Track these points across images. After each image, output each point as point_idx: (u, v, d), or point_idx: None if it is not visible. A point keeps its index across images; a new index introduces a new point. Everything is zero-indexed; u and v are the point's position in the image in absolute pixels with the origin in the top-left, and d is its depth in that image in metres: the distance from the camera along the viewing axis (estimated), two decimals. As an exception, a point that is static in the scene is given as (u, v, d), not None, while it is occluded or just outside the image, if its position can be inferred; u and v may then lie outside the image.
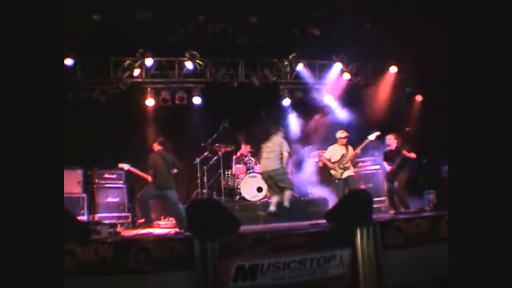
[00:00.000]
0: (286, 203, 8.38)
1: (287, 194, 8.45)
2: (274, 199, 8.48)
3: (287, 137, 10.38)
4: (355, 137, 9.82)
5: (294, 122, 12.43)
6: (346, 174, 9.39)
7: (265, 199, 10.03)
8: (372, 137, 9.34)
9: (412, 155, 9.33)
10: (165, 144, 9.21)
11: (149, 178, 8.81)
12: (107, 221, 9.22)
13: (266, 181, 8.86)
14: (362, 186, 10.76)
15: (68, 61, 10.47)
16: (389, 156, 9.47)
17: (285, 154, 8.64)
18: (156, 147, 9.05)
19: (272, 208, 8.34)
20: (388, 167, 9.42)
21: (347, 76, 12.39)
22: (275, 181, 8.55)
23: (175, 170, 9.00)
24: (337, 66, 12.15)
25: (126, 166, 9.53)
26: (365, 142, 9.39)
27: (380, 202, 10.26)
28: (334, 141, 9.85)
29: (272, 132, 8.86)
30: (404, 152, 9.27)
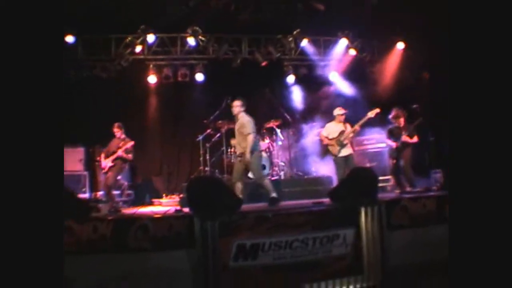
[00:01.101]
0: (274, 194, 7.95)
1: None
2: (270, 184, 8.12)
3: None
4: (359, 115, 9.63)
5: (298, 99, 12.31)
6: (344, 152, 9.15)
7: (269, 177, 9.91)
8: (372, 113, 9.15)
9: (414, 139, 9.14)
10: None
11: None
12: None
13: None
14: (367, 165, 10.63)
15: (69, 39, 10.37)
16: (395, 133, 9.27)
17: (250, 137, 8.00)
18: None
19: (274, 194, 7.97)
20: (393, 144, 9.24)
21: (352, 52, 12.21)
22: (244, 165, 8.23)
23: None
24: (343, 42, 12.00)
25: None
26: (364, 119, 9.20)
27: (385, 181, 10.12)
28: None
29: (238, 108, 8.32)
30: (405, 138, 9.07)
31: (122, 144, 8.99)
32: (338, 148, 9.15)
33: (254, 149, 8.05)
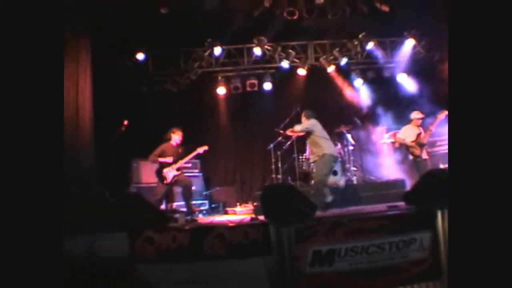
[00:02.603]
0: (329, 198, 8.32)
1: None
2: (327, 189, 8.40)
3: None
4: (430, 115, 9.47)
5: (366, 103, 12.20)
6: (424, 154, 9.16)
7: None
8: (441, 115, 9.01)
9: None
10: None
11: None
12: (184, 209, 9.37)
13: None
14: (441, 166, 10.36)
15: (140, 56, 10.76)
16: None
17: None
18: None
19: (330, 197, 8.27)
20: None
21: (420, 52, 11.96)
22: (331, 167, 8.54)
23: None
24: (409, 42, 11.77)
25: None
26: (436, 121, 9.07)
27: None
28: (407, 120, 9.58)
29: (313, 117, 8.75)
30: None
31: (181, 150, 9.20)
32: (419, 149, 9.09)
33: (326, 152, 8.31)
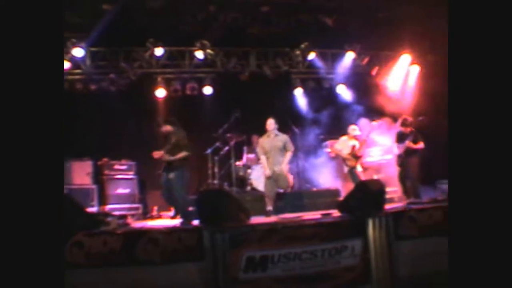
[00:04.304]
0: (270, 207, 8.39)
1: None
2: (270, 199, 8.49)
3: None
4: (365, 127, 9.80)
5: (305, 112, 12.38)
6: (359, 164, 9.47)
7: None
8: (374, 126, 9.39)
9: (420, 145, 9.19)
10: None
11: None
12: (117, 213, 9.17)
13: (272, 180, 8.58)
14: (374, 176, 10.64)
15: (78, 52, 10.42)
16: (401, 138, 9.30)
17: (290, 154, 8.68)
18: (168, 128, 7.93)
19: (271, 207, 8.36)
20: (399, 149, 9.26)
21: (359, 65, 12.28)
22: (275, 180, 8.51)
23: None
24: (350, 55, 12.04)
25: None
26: (370, 131, 9.41)
27: (393, 192, 10.13)
28: (344, 131, 9.87)
29: (273, 125, 8.73)
30: (409, 143, 9.12)
31: None
32: (354, 161, 9.40)
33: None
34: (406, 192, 9.22)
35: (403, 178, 9.33)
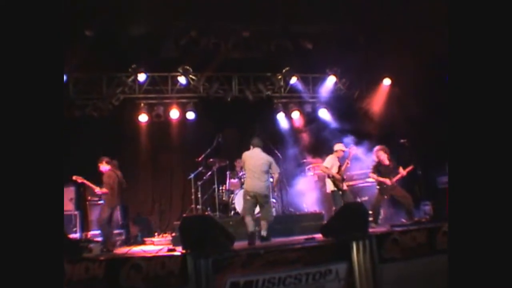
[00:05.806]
0: (264, 232, 7.99)
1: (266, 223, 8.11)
2: (264, 223, 8.09)
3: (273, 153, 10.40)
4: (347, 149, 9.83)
5: (287, 135, 12.44)
6: (344, 186, 9.39)
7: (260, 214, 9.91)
8: (353, 150, 9.40)
9: (409, 168, 9.31)
10: (112, 162, 9.39)
11: (103, 191, 8.98)
12: (99, 239, 9.06)
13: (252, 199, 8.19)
14: (357, 199, 10.69)
15: (60, 78, 10.40)
16: (384, 172, 9.36)
17: (277, 176, 8.54)
18: (105, 166, 9.21)
19: (264, 232, 7.98)
20: (388, 181, 9.28)
21: (341, 89, 12.42)
22: (261, 203, 8.19)
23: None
24: (331, 79, 12.19)
25: (80, 179, 9.22)
26: (350, 154, 9.40)
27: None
28: (326, 154, 9.83)
29: (259, 147, 8.40)
30: (401, 171, 9.23)
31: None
32: (341, 181, 9.31)
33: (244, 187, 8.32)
34: (375, 222, 9.22)
35: (378, 206, 9.41)
